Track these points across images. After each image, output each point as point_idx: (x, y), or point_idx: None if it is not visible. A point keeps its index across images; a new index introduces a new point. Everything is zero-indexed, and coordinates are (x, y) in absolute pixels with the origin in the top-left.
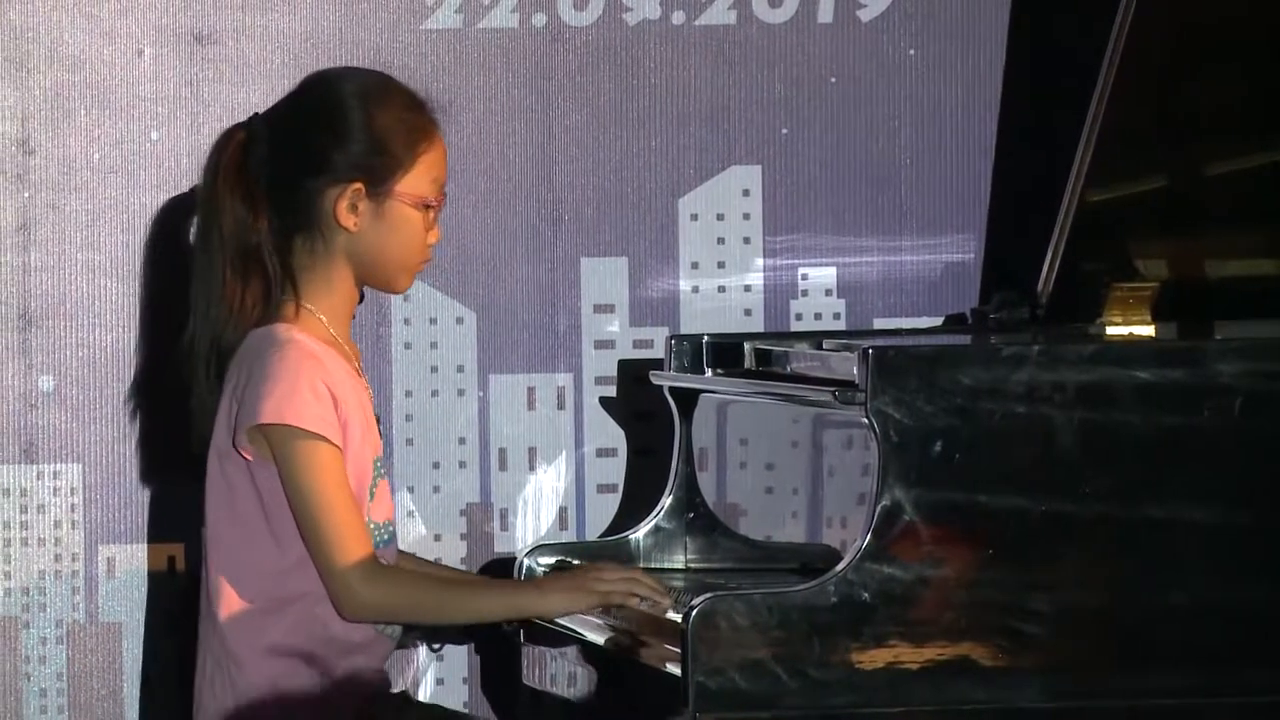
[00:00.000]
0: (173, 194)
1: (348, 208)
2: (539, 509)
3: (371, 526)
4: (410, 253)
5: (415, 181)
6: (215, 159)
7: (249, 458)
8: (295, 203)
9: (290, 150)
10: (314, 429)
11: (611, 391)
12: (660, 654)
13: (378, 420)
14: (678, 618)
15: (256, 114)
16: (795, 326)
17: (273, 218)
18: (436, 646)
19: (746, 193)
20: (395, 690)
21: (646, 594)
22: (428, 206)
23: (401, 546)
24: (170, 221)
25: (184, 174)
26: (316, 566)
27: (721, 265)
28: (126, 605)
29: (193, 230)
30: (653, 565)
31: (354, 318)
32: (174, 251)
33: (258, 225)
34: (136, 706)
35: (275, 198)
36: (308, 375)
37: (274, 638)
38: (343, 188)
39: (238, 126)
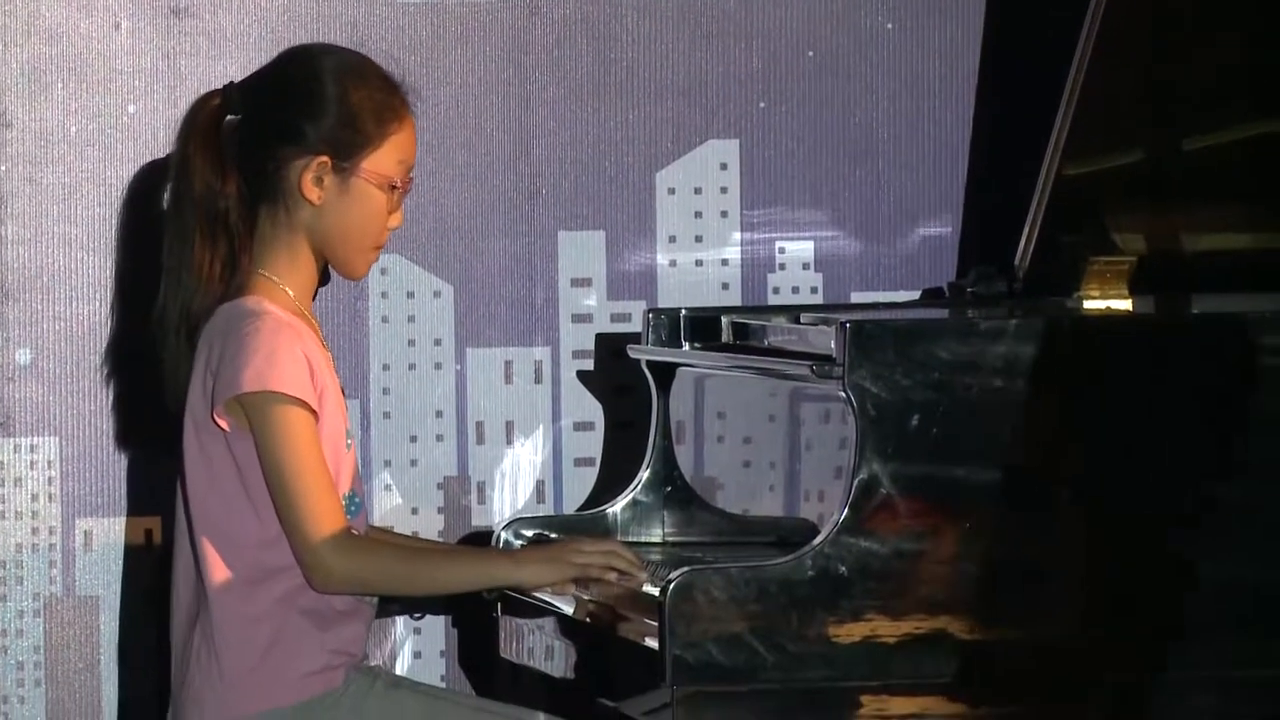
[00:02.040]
0: (149, 167)
1: (313, 180)
2: (516, 482)
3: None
4: (369, 233)
5: (382, 160)
6: (189, 123)
7: (226, 429)
8: (263, 172)
9: (262, 119)
10: (295, 393)
11: (589, 365)
12: (638, 628)
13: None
14: (655, 591)
15: (232, 82)
16: (773, 300)
17: (241, 185)
18: (417, 616)
19: (724, 166)
20: (372, 663)
21: (625, 568)
22: (393, 187)
23: (377, 520)
24: (147, 194)
25: (161, 147)
26: (288, 534)
27: (699, 239)
28: (104, 578)
29: (166, 198)
30: (630, 539)
31: (314, 297)
32: (151, 224)
33: (226, 191)
34: (115, 680)
35: (244, 165)
36: (286, 342)
37: (261, 608)
38: (309, 159)
39: (213, 93)
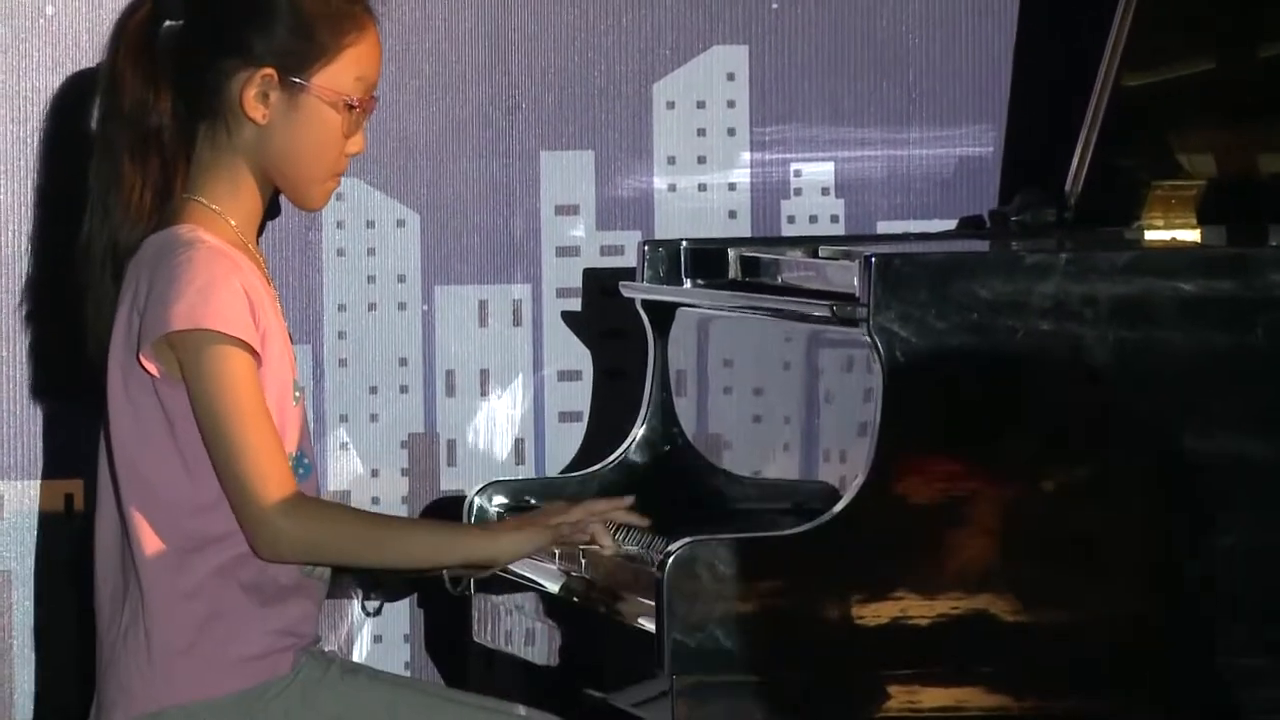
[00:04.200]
0: (74, 78)
1: (256, 96)
2: (492, 440)
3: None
4: (323, 158)
5: (337, 75)
6: (119, 29)
7: (154, 374)
8: (201, 85)
9: (202, 25)
10: (233, 332)
11: (576, 305)
12: (632, 608)
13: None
14: (652, 566)
15: None
16: (787, 231)
17: (176, 101)
18: (372, 610)
19: (731, 77)
20: (326, 648)
21: (622, 518)
22: (350, 107)
23: (334, 484)
24: (70, 109)
25: (85, 54)
26: (229, 495)
27: (702, 160)
28: (16, 550)
29: (94, 114)
30: None
31: (263, 229)
32: (74, 143)
33: (160, 107)
34: (30, 665)
35: (180, 78)
36: (222, 274)
37: (196, 581)
38: (253, 72)
39: None
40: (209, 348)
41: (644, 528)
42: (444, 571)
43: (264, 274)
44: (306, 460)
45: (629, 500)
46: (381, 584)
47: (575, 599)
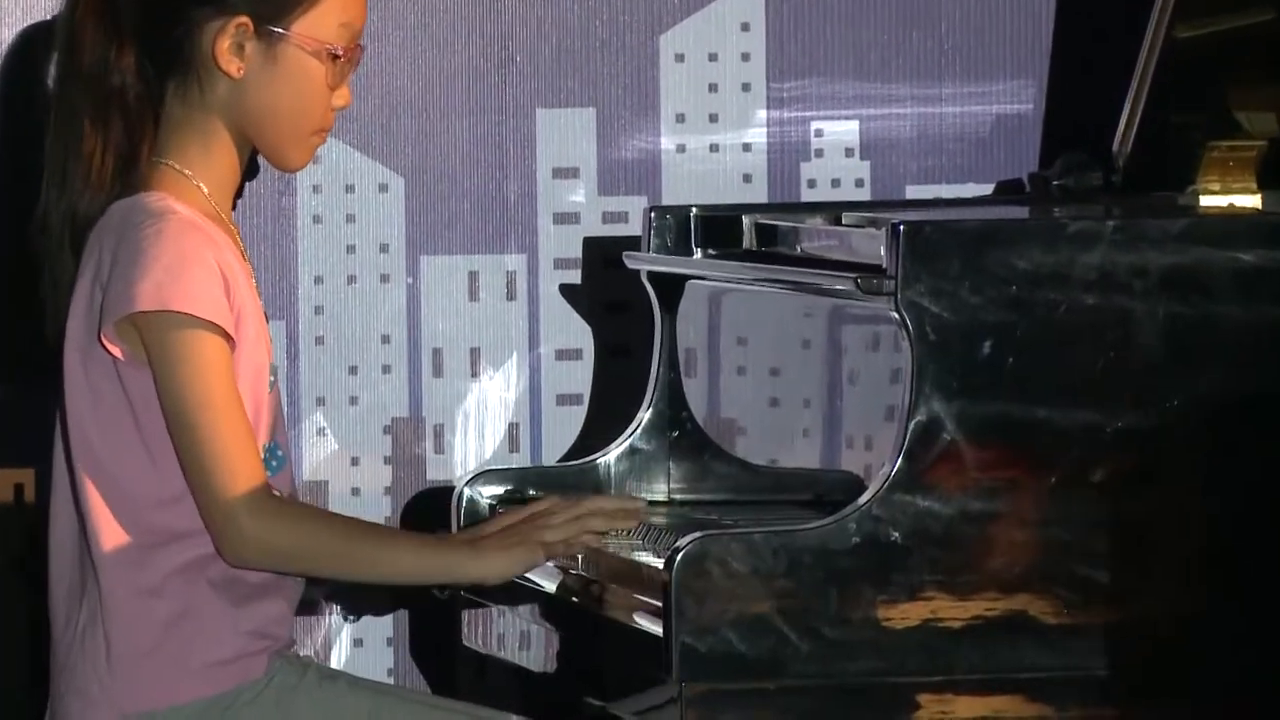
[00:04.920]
0: (28, 32)
1: (231, 48)
2: (483, 426)
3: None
4: (306, 114)
5: (318, 22)
6: None
7: (118, 357)
8: (169, 38)
9: None
10: (205, 315)
11: (575, 278)
12: (636, 608)
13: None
14: (659, 563)
15: None
16: (807, 196)
17: (141, 57)
18: (353, 616)
19: (746, 27)
20: (302, 653)
21: (604, 527)
22: (334, 57)
23: (309, 474)
24: (24, 67)
25: (40, 5)
26: (193, 492)
27: (714, 119)
28: None
29: (51, 73)
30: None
31: (240, 195)
32: (30, 99)
33: (122, 64)
34: None
35: (145, 31)
36: (194, 249)
37: (160, 578)
38: (226, 21)
39: None
40: (177, 331)
41: (650, 522)
42: None
43: (239, 247)
44: (280, 452)
45: (640, 505)
46: (360, 590)
47: (574, 599)
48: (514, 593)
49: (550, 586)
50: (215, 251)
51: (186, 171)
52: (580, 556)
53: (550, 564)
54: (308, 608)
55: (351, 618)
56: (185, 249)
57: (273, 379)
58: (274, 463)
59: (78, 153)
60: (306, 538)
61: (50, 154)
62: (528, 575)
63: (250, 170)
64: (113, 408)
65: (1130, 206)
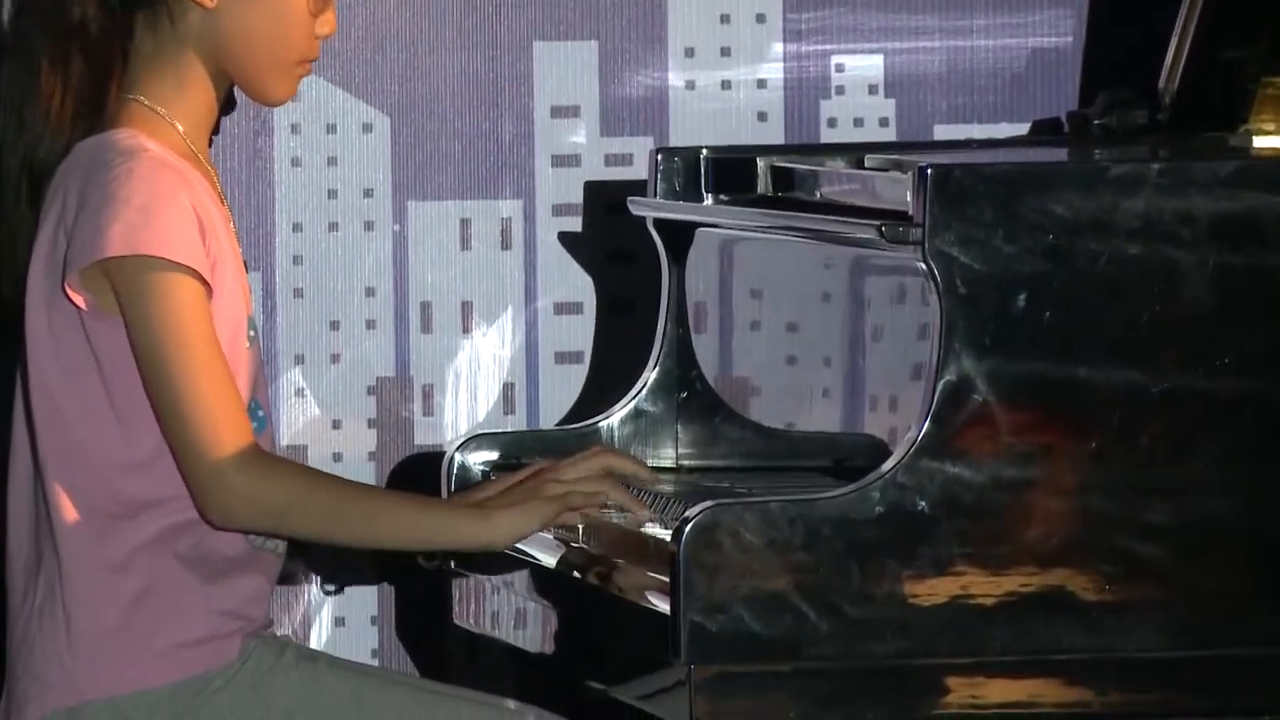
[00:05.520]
0: None
1: None
2: (475, 386)
3: None
4: (286, 43)
5: None
6: None
7: (83, 307)
8: None
9: None
10: (180, 259)
11: (576, 225)
12: (642, 584)
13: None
14: (666, 535)
15: None
16: (827, 137)
17: None
18: (330, 588)
19: None
20: (279, 633)
21: (621, 499)
22: None
23: (286, 438)
24: None
25: None
26: (173, 448)
27: (726, 53)
28: None
29: (7, 6)
30: None
31: (216, 133)
32: None
33: None
34: None
35: None
36: (168, 189)
37: (126, 552)
38: None
39: None
40: (151, 276)
41: (657, 490)
42: None
43: (216, 190)
44: (261, 412)
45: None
46: (343, 562)
47: (575, 574)
48: (508, 565)
49: (549, 560)
50: (190, 193)
51: (159, 108)
52: (581, 527)
53: (549, 536)
54: (286, 581)
55: (332, 589)
56: (158, 189)
57: (252, 333)
58: (254, 423)
59: (35, 96)
60: (300, 494)
61: (5, 96)
62: (524, 548)
63: (227, 104)
64: (77, 363)
65: (1177, 148)
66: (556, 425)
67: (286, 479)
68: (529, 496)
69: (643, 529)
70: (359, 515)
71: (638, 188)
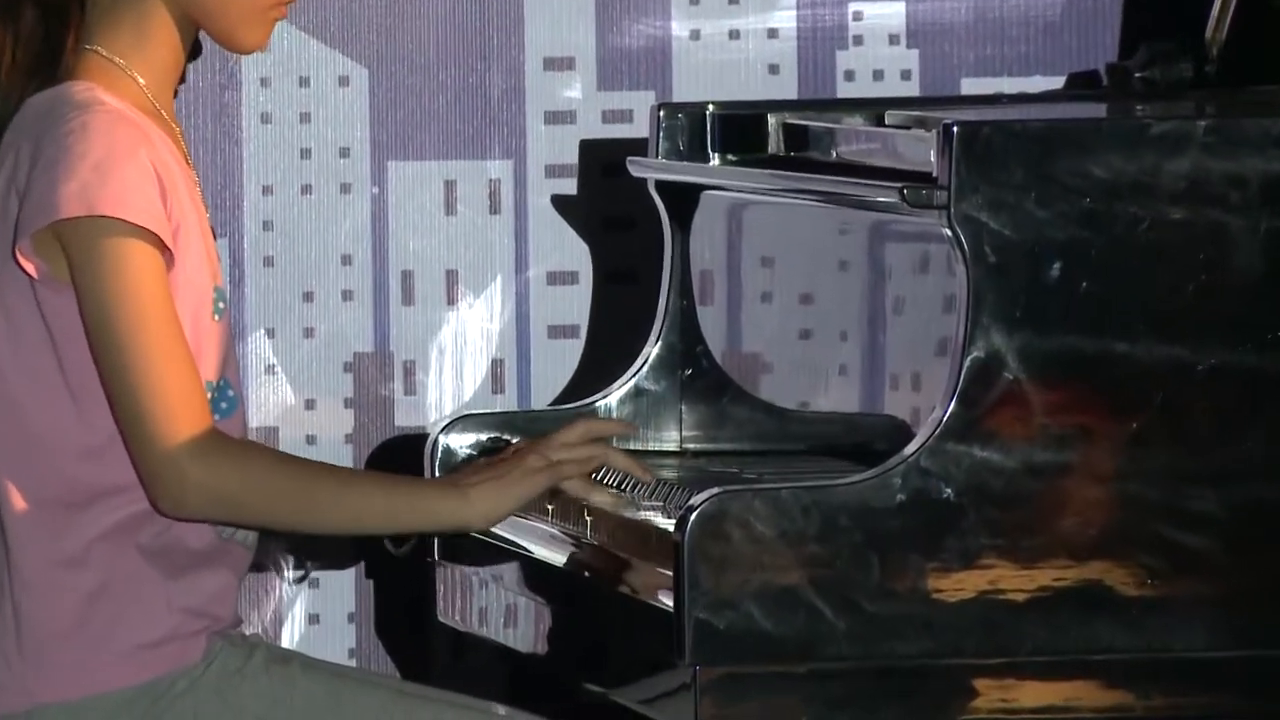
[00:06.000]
0: None
1: None
2: (461, 363)
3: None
4: None
5: None
6: None
7: (34, 275)
8: None
9: None
10: (138, 220)
11: (571, 188)
12: (644, 578)
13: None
14: (669, 524)
15: None
16: (844, 91)
17: None
18: (302, 573)
19: None
20: (248, 632)
21: (622, 465)
22: None
23: (257, 419)
24: None
25: None
26: (123, 430)
27: (734, 0)
28: None
29: None
30: (633, 446)
31: (182, 83)
32: None
33: None
34: None
35: None
36: (127, 148)
37: (82, 545)
38: None
39: None
40: (106, 239)
41: (658, 476)
42: None
43: (181, 149)
44: (231, 392)
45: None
46: (317, 549)
47: (570, 567)
48: (497, 557)
49: (542, 552)
50: (150, 150)
51: (118, 60)
52: (588, 517)
53: (540, 525)
54: (254, 570)
55: (302, 573)
56: (115, 146)
57: (221, 305)
58: (224, 404)
59: None
60: (259, 480)
61: None
62: (514, 538)
63: (192, 52)
64: (29, 338)
65: (1225, 103)
66: (549, 405)
67: (244, 464)
68: (515, 466)
69: (641, 518)
70: (324, 499)
71: (638, 147)
